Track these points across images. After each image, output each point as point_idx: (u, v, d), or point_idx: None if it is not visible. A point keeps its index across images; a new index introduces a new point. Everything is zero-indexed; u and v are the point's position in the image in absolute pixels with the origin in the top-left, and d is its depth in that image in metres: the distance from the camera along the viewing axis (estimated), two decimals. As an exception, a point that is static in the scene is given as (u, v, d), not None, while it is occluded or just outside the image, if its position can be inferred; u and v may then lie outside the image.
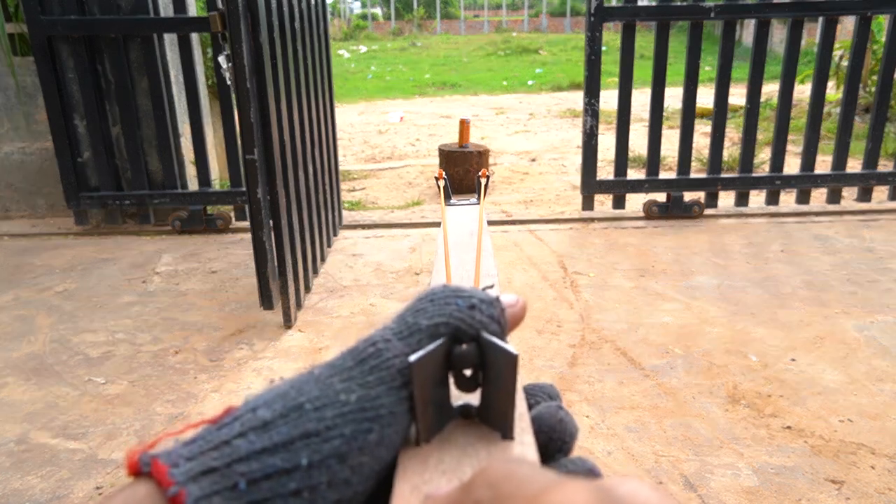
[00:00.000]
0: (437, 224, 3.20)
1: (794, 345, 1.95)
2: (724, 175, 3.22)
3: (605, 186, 3.22)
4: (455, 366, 0.27)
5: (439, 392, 0.26)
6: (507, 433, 0.26)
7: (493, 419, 0.26)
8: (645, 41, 10.58)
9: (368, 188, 4.40)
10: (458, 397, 0.28)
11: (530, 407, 0.29)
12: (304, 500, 0.23)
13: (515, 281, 2.47)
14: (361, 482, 0.24)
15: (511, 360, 0.25)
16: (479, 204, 0.61)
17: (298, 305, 2.24)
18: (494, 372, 0.26)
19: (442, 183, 0.63)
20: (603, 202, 3.64)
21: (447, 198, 0.63)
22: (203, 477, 0.22)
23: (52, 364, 1.93)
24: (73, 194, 3.06)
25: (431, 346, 0.25)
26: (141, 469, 0.23)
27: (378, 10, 27.14)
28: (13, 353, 2.00)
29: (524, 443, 0.26)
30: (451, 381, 0.27)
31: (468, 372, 0.27)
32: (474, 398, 0.28)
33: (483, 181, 0.63)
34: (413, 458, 0.25)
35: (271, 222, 2.09)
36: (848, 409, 1.63)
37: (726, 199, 3.41)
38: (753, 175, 3.20)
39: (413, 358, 0.24)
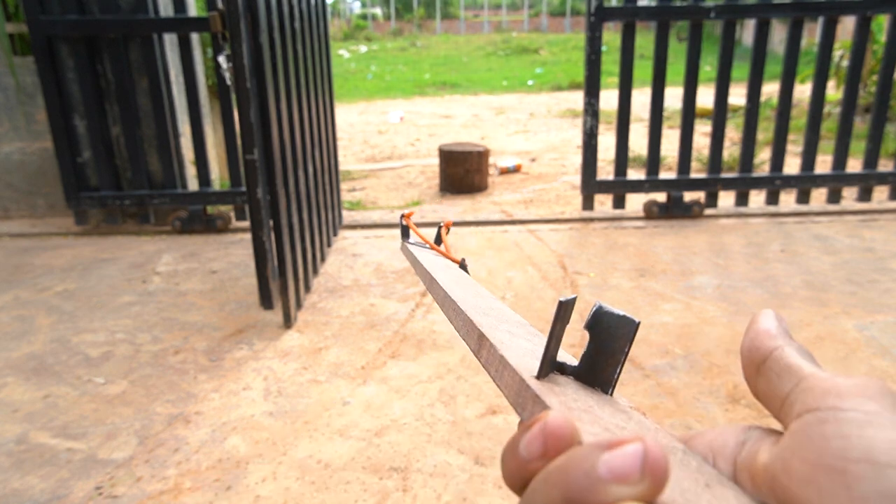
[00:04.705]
0: (437, 224, 3.20)
1: (794, 345, 1.94)
2: (724, 175, 3.22)
3: (605, 186, 3.22)
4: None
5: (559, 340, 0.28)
6: (609, 389, 0.28)
7: (595, 378, 0.28)
8: (645, 41, 10.60)
9: (368, 188, 4.40)
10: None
11: None
12: None
13: (515, 281, 2.47)
14: None
15: (632, 327, 0.27)
16: (437, 250, 0.59)
17: (298, 305, 2.24)
18: (608, 338, 0.28)
19: (405, 223, 0.61)
20: (603, 202, 3.64)
21: (405, 236, 0.61)
22: None
23: (51, 364, 1.93)
24: (73, 194, 3.06)
25: (572, 296, 0.27)
26: None
27: (378, 10, 27.13)
28: (13, 353, 2.00)
29: (624, 400, 0.28)
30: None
31: None
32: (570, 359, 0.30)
33: (445, 231, 0.61)
34: (542, 385, 0.26)
35: (271, 222, 2.09)
36: (848, 409, 1.63)
37: (726, 199, 3.41)
38: (753, 175, 3.20)
39: (563, 298, 0.27)
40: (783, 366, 0.23)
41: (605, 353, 0.28)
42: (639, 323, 0.27)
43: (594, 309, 0.28)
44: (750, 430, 0.24)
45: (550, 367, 0.27)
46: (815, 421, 0.19)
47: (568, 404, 0.24)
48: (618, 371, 0.28)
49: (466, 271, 0.54)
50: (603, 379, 0.28)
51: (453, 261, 0.57)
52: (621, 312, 0.27)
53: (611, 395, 0.28)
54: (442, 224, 0.60)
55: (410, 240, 0.61)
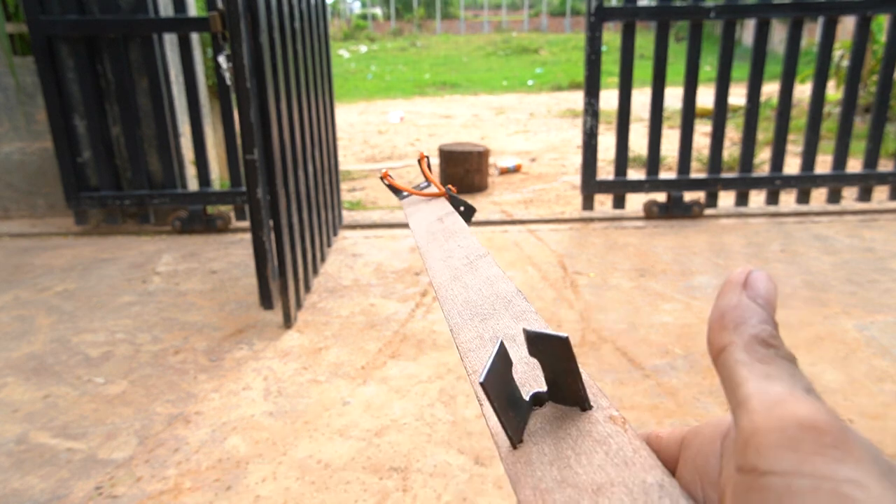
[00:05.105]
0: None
1: (795, 345, 1.95)
2: (724, 175, 3.22)
3: (605, 186, 3.22)
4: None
5: (511, 392, 0.27)
6: (584, 405, 0.27)
7: (565, 398, 0.28)
8: (645, 41, 10.60)
9: (368, 188, 4.40)
10: (522, 385, 0.29)
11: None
12: None
13: (515, 280, 2.47)
14: None
15: (564, 343, 0.26)
16: (431, 188, 0.62)
17: (298, 305, 2.24)
18: (551, 358, 0.27)
19: (387, 182, 0.63)
20: (603, 202, 3.64)
21: (398, 194, 0.63)
22: None
23: (51, 364, 1.93)
24: (73, 194, 3.06)
25: (492, 359, 0.26)
26: None
27: (378, 10, 27.15)
28: (13, 353, 2.00)
29: (602, 406, 0.27)
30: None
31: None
32: (541, 385, 0.29)
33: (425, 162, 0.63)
34: (517, 462, 0.26)
35: (271, 222, 2.09)
36: (848, 409, 1.63)
37: (726, 199, 3.41)
38: (753, 175, 3.20)
39: (482, 379, 0.25)
40: (728, 373, 0.22)
41: (559, 372, 0.27)
42: (566, 337, 0.26)
43: (525, 334, 0.27)
44: (725, 439, 0.24)
45: (519, 429, 0.27)
46: (744, 489, 0.19)
47: (544, 483, 0.24)
48: (581, 386, 0.27)
49: (457, 199, 0.55)
50: (574, 396, 0.27)
51: (440, 191, 0.59)
52: (549, 332, 0.26)
53: (590, 407, 0.27)
54: (418, 158, 0.62)
55: (402, 195, 0.63)
